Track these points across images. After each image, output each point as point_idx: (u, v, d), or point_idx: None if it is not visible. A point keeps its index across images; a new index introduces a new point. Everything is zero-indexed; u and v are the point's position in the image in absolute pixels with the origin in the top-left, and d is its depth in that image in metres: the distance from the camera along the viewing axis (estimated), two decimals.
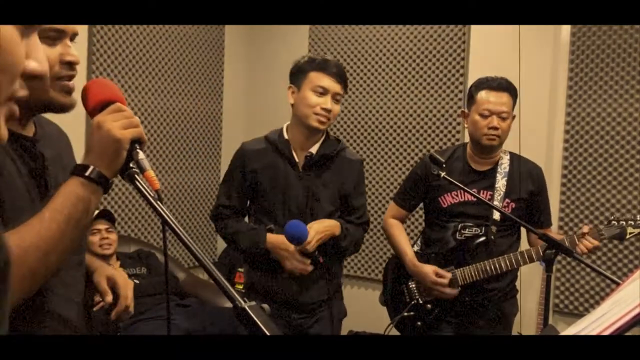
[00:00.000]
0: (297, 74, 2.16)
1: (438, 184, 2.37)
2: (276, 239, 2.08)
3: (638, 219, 2.19)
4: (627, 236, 2.18)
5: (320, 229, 2.06)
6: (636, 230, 2.18)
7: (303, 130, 2.15)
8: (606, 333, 0.75)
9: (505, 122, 2.30)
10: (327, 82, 2.10)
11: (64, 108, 1.10)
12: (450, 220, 2.40)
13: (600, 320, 0.80)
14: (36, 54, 0.44)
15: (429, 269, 2.37)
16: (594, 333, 0.78)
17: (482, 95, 2.31)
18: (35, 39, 0.43)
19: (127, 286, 1.27)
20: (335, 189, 2.18)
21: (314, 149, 2.16)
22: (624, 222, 2.19)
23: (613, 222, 2.22)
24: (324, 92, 2.10)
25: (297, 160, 2.16)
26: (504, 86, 2.31)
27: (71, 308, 1.16)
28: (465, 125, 2.41)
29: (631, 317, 0.74)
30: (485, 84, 2.32)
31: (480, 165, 2.40)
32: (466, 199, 2.35)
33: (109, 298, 1.24)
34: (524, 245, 2.41)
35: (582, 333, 0.81)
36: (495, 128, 2.27)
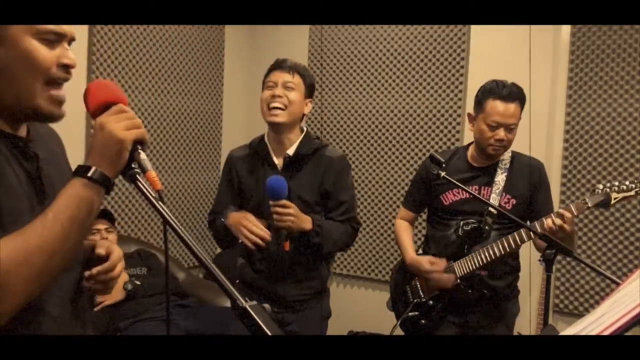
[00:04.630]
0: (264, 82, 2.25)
1: (440, 183, 2.39)
2: (236, 213, 2.16)
3: (622, 183, 2.16)
4: (612, 202, 2.14)
5: (292, 210, 2.05)
6: (620, 195, 2.13)
7: (275, 133, 2.21)
8: (606, 333, 0.75)
9: (512, 132, 2.29)
10: (275, 75, 2.19)
11: (52, 118, 1.10)
12: (453, 217, 2.42)
13: (600, 320, 0.80)
14: None
15: (424, 259, 2.43)
16: (594, 333, 0.78)
17: (491, 104, 2.26)
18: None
19: (119, 258, 1.26)
20: (315, 186, 2.20)
21: (291, 150, 2.21)
22: (608, 189, 2.15)
23: (597, 190, 2.18)
24: (273, 85, 2.18)
25: (276, 162, 2.21)
26: (514, 95, 2.26)
27: (65, 309, 1.16)
28: (471, 129, 2.40)
29: (631, 317, 0.74)
30: (495, 91, 2.27)
31: (481, 163, 2.41)
32: (467, 196, 2.36)
33: (101, 250, 1.24)
34: (525, 245, 2.41)
35: (582, 333, 0.81)
36: (502, 140, 2.27)
